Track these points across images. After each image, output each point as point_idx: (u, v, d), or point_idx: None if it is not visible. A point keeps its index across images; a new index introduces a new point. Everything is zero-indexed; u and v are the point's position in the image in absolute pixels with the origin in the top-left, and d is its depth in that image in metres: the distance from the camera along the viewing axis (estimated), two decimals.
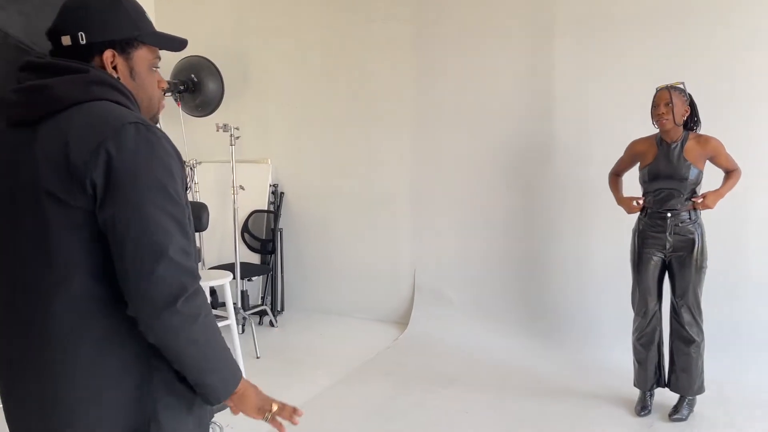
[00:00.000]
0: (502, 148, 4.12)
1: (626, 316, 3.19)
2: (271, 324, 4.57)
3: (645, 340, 3.09)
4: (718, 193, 2.94)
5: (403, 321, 4.50)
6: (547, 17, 3.91)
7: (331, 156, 4.66)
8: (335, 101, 4.61)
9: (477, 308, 4.25)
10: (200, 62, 4.56)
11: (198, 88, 4.55)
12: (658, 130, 2.99)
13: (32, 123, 1.13)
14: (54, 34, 1.20)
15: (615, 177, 3.26)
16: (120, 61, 1.22)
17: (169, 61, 4.77)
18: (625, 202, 3.14)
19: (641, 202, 3.05)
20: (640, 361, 3.13)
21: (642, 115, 3.11)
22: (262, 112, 4.82)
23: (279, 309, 4.78)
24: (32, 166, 1.11)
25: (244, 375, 1.24)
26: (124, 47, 1.22)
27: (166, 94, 4.47)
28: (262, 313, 4.62)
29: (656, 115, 2.95)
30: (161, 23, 5.05)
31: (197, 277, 1.12)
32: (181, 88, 4.50)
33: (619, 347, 3.52)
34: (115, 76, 1.21)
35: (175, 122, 4.54)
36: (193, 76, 4.53)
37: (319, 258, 4.78)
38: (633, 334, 3.14)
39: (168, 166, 1.12)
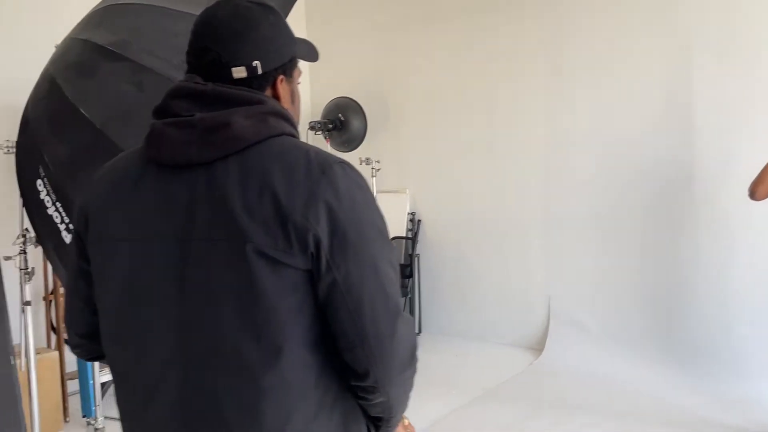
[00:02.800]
0: (639, 170, 4.07)
1: None
2: None
3: None
4: None
5: (537, 347, 4.53)
6: (685, 37, 3.86)
7: (465, 184, 4.86)
8: (468, 131, 4.82)
9: (614, 335, 4.18)
10: (347, 102, 5.02)
11: (344, 126, 5.00)
12: None
13: (198, 164, 0.96)
14: (218, 65, 1.00)
15: None
16: (285, 86, 1.06)
17: (319, 102, 5.29)
18: None
19: None
20: None
21: None
22: (400, 145, 5.17)
23: (416, 331, 5.02)
24: (224, 217, 0.93)
25: None
26: (290, 69, 1.07)
27: (316, 133, 4.97)
28: None
29: None
30: (314, 67, 5.64)
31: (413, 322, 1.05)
32: (330, 126, 4.97)
33: None
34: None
35: None
36: (340, 115, 4.99)
37: (454, 283, 4.97)
38: None
39: (378, 208, 1.00)
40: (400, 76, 5.14)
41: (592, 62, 4.22)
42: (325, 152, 1.00)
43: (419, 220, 5.10)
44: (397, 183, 5.14)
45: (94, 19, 2.12)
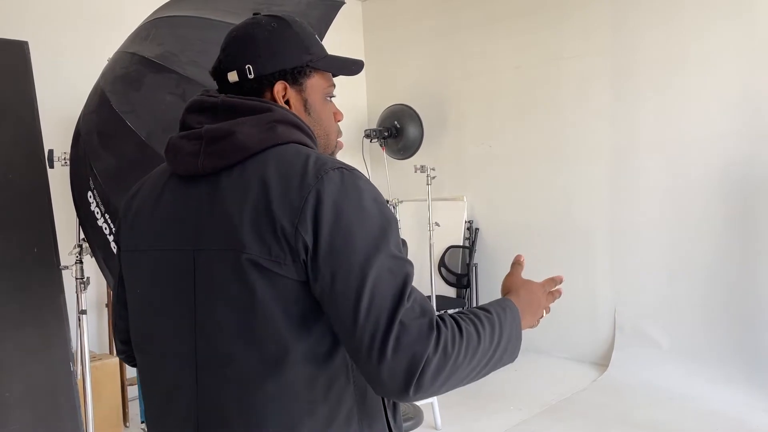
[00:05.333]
0: (711, 177, 3.82)
1: None
2: None
3: None
4: None
5: (602, 362, 4.32)
6: (764, 33, 3.59)
7: (525, 192, 4.71)
8: (528, 138, 4.67)
9: (686, 350, 3.92)
10: (403, 109, 4.96)
11: (400, 133, 4.93)
12: None
13: (209, 174, 0.99)
14: (219, 72, 1.07)
15: None
16: (292, 94, 1.06)
17: (375, 111, 5.26)
18: None
19: None
20: None
21: None
22: (458, 151, 5.06)
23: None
24: (223, 227, 0.94)
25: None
26: (296, 77, 1.07)
27: (372, 141, 4.92)
28: None
29: None
30: (371, 75, 5.61)
31: (431, 330, 0.88)
32: (386, 134, 4.92)
33: None
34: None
35: (379, 165, 4.98)
36: (396, 122, 4.93)
37: None
38: None
39: (383, 214, 0.94)
40: (457, 82, 5.04)
41: (662, 62, 4.00)
42: (329, 158, 0.97)
43: (477, 229, 4.97)
44: (455, 190, 5.04)
45: (142, 32, 2.15)
